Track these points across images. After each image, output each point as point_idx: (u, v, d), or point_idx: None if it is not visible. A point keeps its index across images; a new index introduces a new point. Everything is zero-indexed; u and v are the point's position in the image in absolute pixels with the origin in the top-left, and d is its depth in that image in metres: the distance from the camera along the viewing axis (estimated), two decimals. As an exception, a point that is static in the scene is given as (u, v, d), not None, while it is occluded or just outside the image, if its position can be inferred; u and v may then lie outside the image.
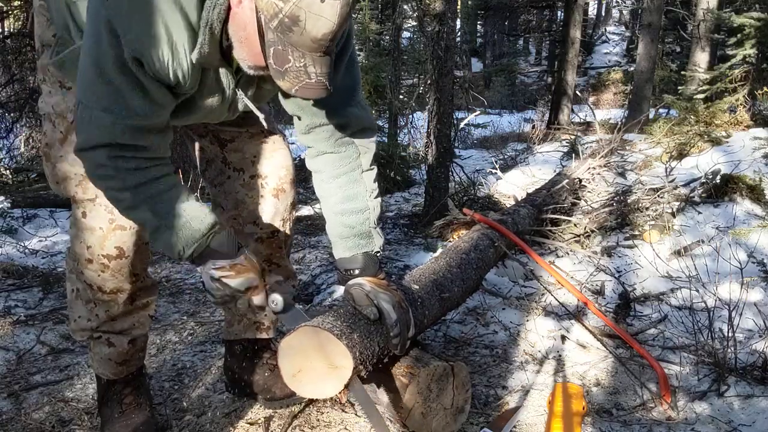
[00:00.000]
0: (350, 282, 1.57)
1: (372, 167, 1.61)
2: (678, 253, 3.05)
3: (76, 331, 1.62)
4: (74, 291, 1.58)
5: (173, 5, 1.17)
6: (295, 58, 1.15)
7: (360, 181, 1.58)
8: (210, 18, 1.20)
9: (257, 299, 1.38)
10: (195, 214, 1.33)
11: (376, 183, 1.62)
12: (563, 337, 2.31)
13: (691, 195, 3.68)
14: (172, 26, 1.19)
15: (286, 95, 1.46)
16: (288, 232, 1.78)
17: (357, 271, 1.59)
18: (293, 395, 1.68)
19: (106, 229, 1.47)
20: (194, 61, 1.24)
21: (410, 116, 7.72)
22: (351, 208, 1.58)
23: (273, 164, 1.72)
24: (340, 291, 2.90)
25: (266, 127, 1.69)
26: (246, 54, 1.24)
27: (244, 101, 1.43)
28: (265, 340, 1.86)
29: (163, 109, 1.29)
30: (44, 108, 1.50)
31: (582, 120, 10.38)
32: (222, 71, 1.34)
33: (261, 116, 1.45)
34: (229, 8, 1.21)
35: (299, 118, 1.54)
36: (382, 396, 1.61)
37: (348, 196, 1.58)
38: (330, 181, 1.59)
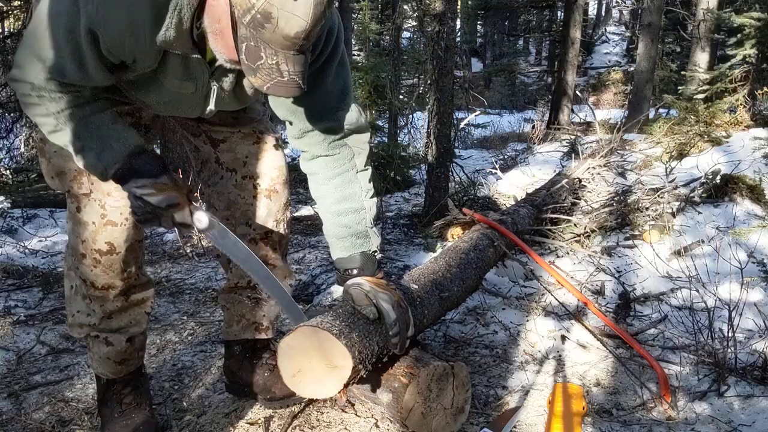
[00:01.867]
0: (349, 282, 1.57)
1: (366, 167, 1.61)
2: (678, 253, 3.05)
3: (74, 326, 1.62)
4: (72, 287, 1.58)
5: None
6: (267, 55, 1.14)
7: (355, 182, 1.59)
8: (180, 3, 1.19)
9: (179, 215, 1.35)
10: (118, 136, 1.33)
11: (371, 183, 1.63)
12: (563, 337, 2.31)
13: (691, 195, 3.68)
14: (136, 3, 1.17)
15: (272, 98, 1.47)
16: (282, 232, 1.78)
17: (355, 271, 1.59)
18: (293, 395, 1.68)
19: (98, 224, 1.48)
20: (158, 43, 1.22)
21: (410, 116, 7.72)
22: (347, 208, 1.58)
23: (265, 165, 1.72)
24: (340, 291, 2.90)
25: (258, 128, 1.69)
26: (221, 46, 1.23)
27: (216, 97, 1.42)
28: (264, 341, 1.86)
29: (92, 82, 1.28)
30: None
31: (582, 120, 10.38)
32: (194, 59, 1.31)
33: (211, 104, 1.44)
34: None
35: (291, 123, 1.54)
36: (383, 396, 1.61)
37: (344, 196, 1.58)
38: (325, 183, 1.59)
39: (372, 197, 1.62)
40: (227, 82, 1.42)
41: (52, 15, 1.20)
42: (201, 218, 1.39)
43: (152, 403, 1.72)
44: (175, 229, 1.40)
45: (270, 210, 1.73)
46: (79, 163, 1.35)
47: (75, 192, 1.48)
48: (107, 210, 1.47)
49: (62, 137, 1.32)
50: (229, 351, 1.86)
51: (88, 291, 1.55)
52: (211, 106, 1.45)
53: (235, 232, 1.69)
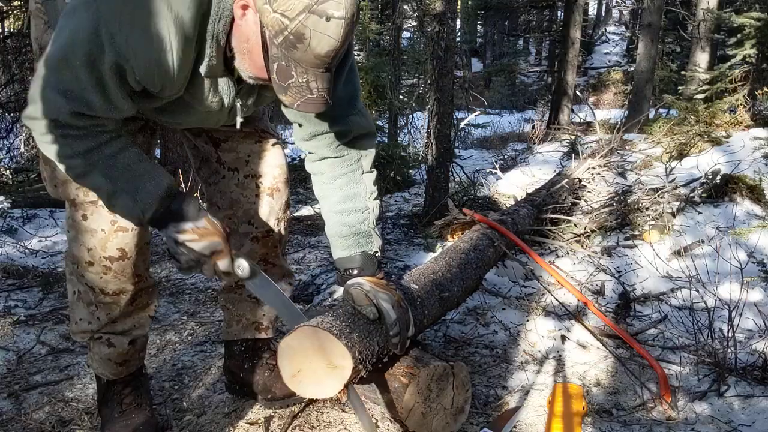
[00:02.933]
0: (349, 282, 1.57)
1: (372, 170, 1.62)
2: (678, 253, 3.05)
3: (77, 333, 1.61)
4: (76, 293, 1.57)
5: (170, 13, 1.16)
6: (298, 74, 1.17)
7: (360, 182, 1.59)
8: (216, 30, 1.21)
9: (222, 264, 1.35)
10: (150, 176, 1.30)
11: (376, 186, 1.63)
12: (563, 337, 2.31)
13: (691, 195, 3.68)
14: (169, 35, 1.17)
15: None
16: (283, 231, 1.79)
17: (356, 271, 1.59)
18: (293, 395, 1.68)
19: (108, 230, 1.47)
20: (202, 74, 1.25)
21: (410, 116, 7.72)
22: (351, 208, 1.59)
23: (267, 163, 1.72)
24: (340, 291, 2.90)
25: (260, 126, 1.69)
26: (248, 65, 1.25)
27: (240, 110, 1.44)
28: (264, 340, 1.86)
29: (119, 112, 1.26)
30: None
31: (582, 120, 10.38)
32: (222, 80, 1.34)
33: (239, 121, 1.45)
34: (232, 21, 1.21)
35: (300, 126, 1.56)
36: (382, 396, 1.61)
37: (348, 195, 1.59)
38: (330, 182, 1.60)
39: (376, 199, 1.62)
40: (251, 97, 1.44)
41: (69, 46, 1.17)
42: (242, 266, 1.38)
43: (153, 404, 1.72)
44: (215, 277, 1.39)
45: (272, 208, 1.73)
46: (112, 208, 1.32)
47: (81, 200, 1.46)
48: (117, 216, 1.43)
49: (92, 180, 1.28)
50: (229, 351, 1.86)
51: (96, 298, 1.53)
52: (239, 119, 1.45)
53: (238, 231, 1.70)
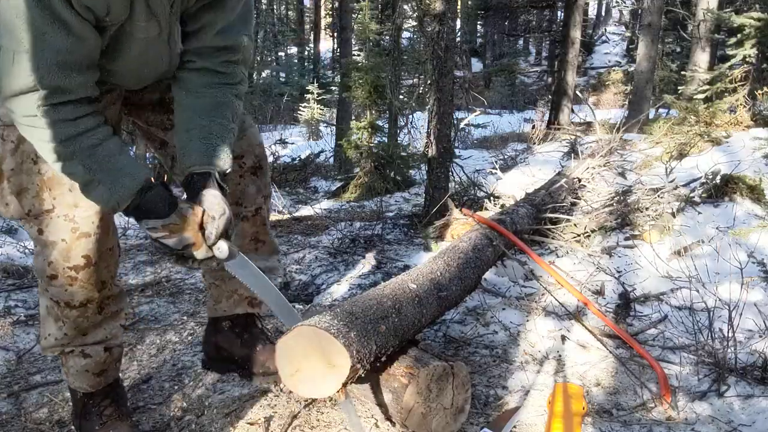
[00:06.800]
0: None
1: (241, 100, 1.54)
2: (678, 253, 3.05)
3: (46, 348, 1.56)
4: (46, 308, 1.53)
5: None
6: None
7: (231, 104, 1.51)
8: None
9: (198, 254, 1.35)
10: (127, 170, 1.29)
11: (240, 117, 1.56)
12: (563, 337, 2.31)
13: (691, 195, 3.68)
14: None
15: (190, 15, 1.41)
16: (269, 207, 1.79)
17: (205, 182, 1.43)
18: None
19: (70, 239, 1.41)
20: None
21: (410, 116, 7.71)
22: (219, 118, 1.47)
23: (246, 143, 1.70)
24: (340, 291, 2.90)
25: None
26: None
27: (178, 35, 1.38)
28: (252, 315, 1.84)
29: (86, 42, 1.23)
30: None
31: (582, 120, 10.38)
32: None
33: (179, 46, 1.39)
34: None
35: (198, 30, 1.45)
36: (382, 396, 1.61)
37: (218, 104, 1.48)
38: (199, 90, 1.48)
39: (234, 137, 1.51)
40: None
41: (13, 4, 1.13)
42: (221, 247, 1.38)
43: (132, 415, 1.70)
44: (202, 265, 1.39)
45: (258, 186, 1.74)
46: (87, 195, 1.31)
47: (36, 211, 1.41)
48: (78, 222, 1.40)
49: (70, 167, 1.26)
50: (215, 327, 1.84)
51: (63, 312, 1.49)
52: (179, 45, 1.40)
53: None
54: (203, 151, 1.43)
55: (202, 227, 1.35)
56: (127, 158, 1.32)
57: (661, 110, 8.38)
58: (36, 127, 1.22)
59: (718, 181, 3.66)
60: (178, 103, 1.51)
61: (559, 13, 15.67)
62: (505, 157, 6.76)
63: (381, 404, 1.63)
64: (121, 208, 1.31)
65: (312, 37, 21.12)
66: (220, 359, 1.83)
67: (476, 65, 20.49)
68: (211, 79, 1.49)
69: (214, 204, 1.37)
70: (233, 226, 1.44)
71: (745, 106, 5.76)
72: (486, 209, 3.91)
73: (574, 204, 3.69)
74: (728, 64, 6.06)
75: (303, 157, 7.61)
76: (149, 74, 1.49)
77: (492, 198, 4.20)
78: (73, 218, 1.41)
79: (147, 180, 1.32)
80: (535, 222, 3.27)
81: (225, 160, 1.46)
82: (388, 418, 1.66)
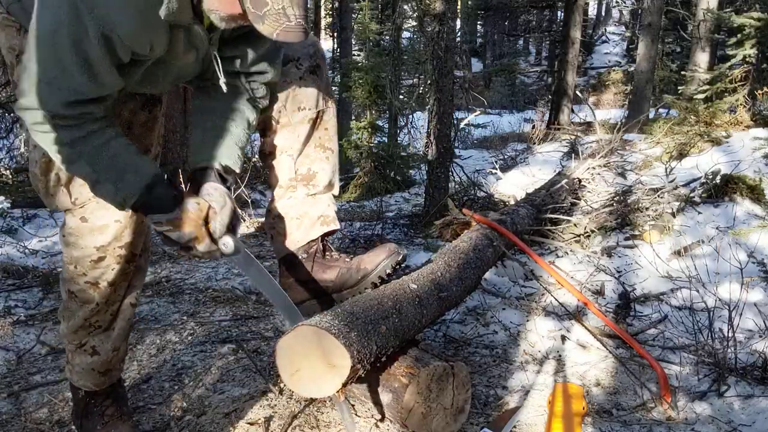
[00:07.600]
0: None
1: (257, 111, 1.60)
2: (678, 253, 3.05)
3: (68, 334, 1.58)
4: (70, 293, 1.54)
5: None
6: (273, 0, 1.15)
7: (245, 118, 1.56)
8: None
9: (201, 247, 1.37)
10: (133, 168, 1.32)
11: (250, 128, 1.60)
12: (563, 337, 2.31)
13: (691, 195, 3.68)
14: None
15: (228, 41, 1.45)
16: (335, 113, 1.80)
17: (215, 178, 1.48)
18: (367, 277, 1.74)
19: (124, 218, 1.46)
20: (162, 17, 1.21)
21: (410, 116, 7.71)
22: (237, 123, 1.54)
23: (300, 45, 1.63)
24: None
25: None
26: (218, 4, 1.22)
27: (219, 63, 1.41)
28: (329, 234, 1.82)
29: (107, 90, 1.27)
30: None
31: (582, 120, 10.39)
32: (195, 29, 1.31)
33: (222, 81, 1.42)
34: None
35: (235, 60, 1.49)
36: (382, 396, 1.61)
37: (233, 108, 1.54)
38: (220, 96, 1.50)
39: (244, 141, 1.56)
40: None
41: (50, 32, 1.17)
42: (227, 242, 1.39)
43: (132, 415, 1.71)
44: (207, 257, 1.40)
45: (318, 86, 1.72)
46: (95, 193, 1.35)
47: (83, 199, 1.44)
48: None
49: (78, 167, 1.30)
50: (290, 263, 1.80)
51: (92, 291, 1.51)
52: (222, 78, 1.43)
53: (291, 121, 1.70)
54: (207, 148, 1.50)
55: (206, 222, 1.37)
56: (133, 157, 1.34)
57: (661, 110, 8.39)
58: (44, 132, 1.26)
59: (718, 181, 3.66)
60: (195, 107, 1.57)
61: (559, 13, 15.67)
62: (505, 157, 6.77)
63: (381, 404, 1.63)
64: (127, 204, 1.33)
65: (312, 37, 21.06)
66: (302, 284, 1.80)
67: (476, 65, 20.49)
68: (234, 91, 1.54)
69: (214, 195, 1.41)
70: (237, 220, 1.46)
71: (745, 106, 5.76)
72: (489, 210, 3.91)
73: (574, 204, 3.69)
74: (728, 64, 6.06)
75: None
76: (182, 80, 1.54)
77: (492, 200, 4.20)
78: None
79: (152, 177, 1.34)
80: (535, 222, 3.27)
81: (227, 156, 1.50)
82: (388, 418, 1.66)
